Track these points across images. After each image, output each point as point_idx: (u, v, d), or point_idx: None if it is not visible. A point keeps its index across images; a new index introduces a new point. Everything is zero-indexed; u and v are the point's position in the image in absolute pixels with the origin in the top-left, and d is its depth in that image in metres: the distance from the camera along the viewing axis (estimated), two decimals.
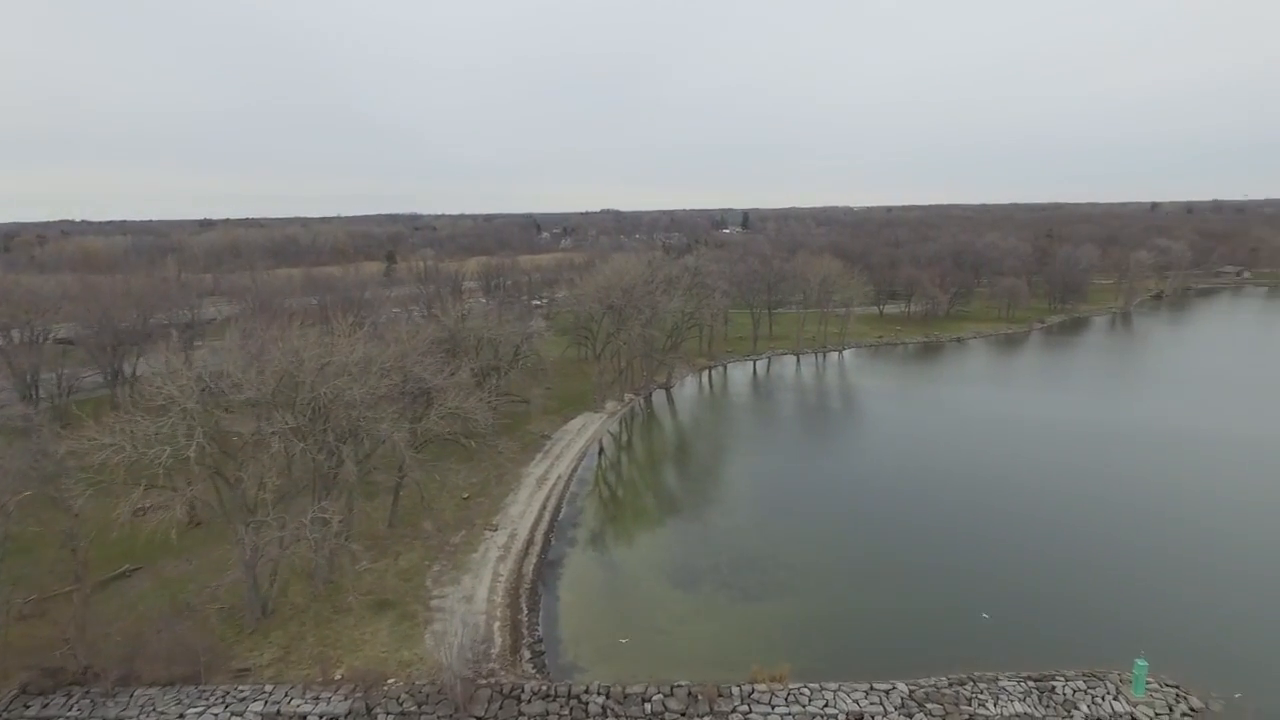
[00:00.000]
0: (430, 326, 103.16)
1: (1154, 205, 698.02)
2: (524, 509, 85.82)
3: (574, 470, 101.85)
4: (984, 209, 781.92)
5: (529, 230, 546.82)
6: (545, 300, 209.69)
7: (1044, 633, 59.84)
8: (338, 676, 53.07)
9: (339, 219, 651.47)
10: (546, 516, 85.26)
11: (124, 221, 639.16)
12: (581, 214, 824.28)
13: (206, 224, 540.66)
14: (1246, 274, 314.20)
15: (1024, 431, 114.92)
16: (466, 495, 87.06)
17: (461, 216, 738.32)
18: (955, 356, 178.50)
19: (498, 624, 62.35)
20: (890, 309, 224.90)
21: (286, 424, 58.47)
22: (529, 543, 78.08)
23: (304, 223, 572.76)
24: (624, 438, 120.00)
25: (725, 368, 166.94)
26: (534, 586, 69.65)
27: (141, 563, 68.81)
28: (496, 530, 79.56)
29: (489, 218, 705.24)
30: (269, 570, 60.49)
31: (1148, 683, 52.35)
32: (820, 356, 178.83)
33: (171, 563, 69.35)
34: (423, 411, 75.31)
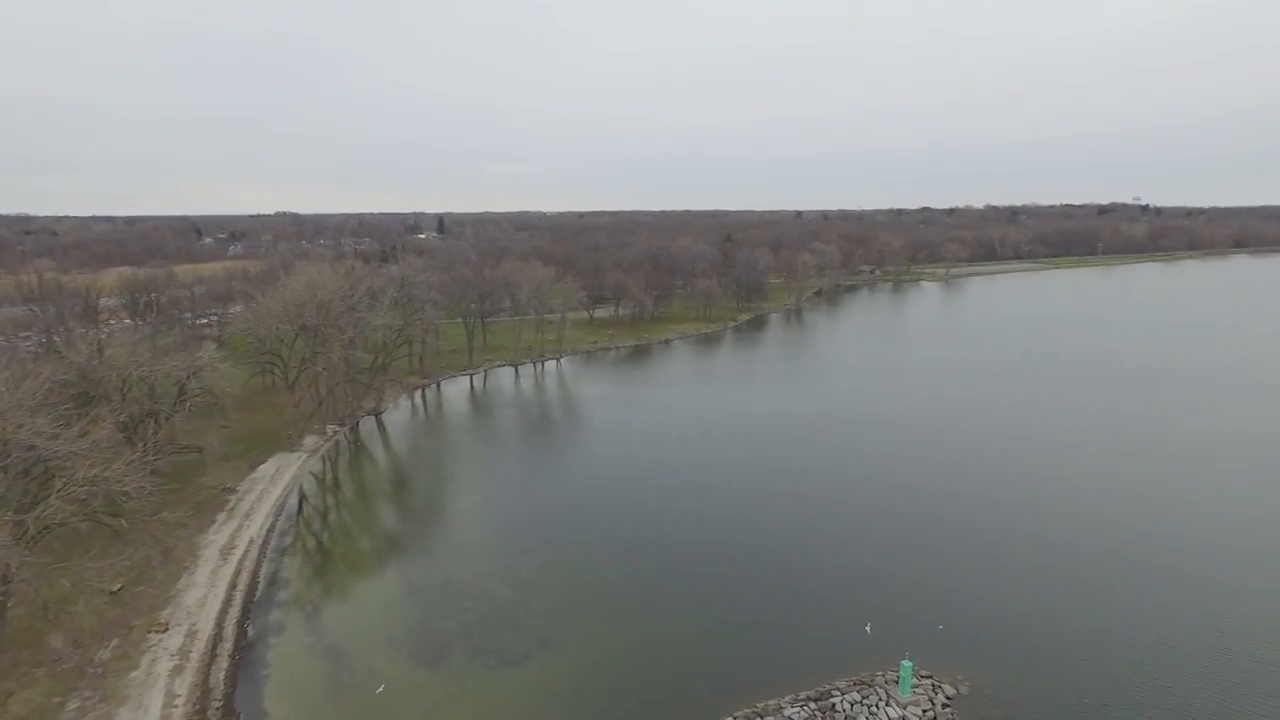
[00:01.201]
0: (48, 365, 77.63)
1: (799, 213, 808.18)
2: (205, 593, 67.38)
3: (270, 528, 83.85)
4: (664, 215, 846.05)
5: (187, 235, 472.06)
6: (216, 319, 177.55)
7: (811, 640, 59.33)
8: None
9: None
10: (238, 598, 67.81)
11: None
12: (252, 216, 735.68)
13: None
14: (878, 272, 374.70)
15: (747, 427, 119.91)
16: (118, 588, 66.02)
17: (94, 219, 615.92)
18: (666, 357, 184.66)
19: None
20: (600, 313, 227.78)
21: None
22: (216, 639, 60.82)
23: None
24: (330, 479, 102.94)
25: (440, 385, 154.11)
26: (229, 703, 53.57)
27: None
28: (167, 630, 60.91)
29: (132, 220, 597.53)
30: None
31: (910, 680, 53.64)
32: (539, 366, 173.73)
33: None
34: (38, 492, 54.29)
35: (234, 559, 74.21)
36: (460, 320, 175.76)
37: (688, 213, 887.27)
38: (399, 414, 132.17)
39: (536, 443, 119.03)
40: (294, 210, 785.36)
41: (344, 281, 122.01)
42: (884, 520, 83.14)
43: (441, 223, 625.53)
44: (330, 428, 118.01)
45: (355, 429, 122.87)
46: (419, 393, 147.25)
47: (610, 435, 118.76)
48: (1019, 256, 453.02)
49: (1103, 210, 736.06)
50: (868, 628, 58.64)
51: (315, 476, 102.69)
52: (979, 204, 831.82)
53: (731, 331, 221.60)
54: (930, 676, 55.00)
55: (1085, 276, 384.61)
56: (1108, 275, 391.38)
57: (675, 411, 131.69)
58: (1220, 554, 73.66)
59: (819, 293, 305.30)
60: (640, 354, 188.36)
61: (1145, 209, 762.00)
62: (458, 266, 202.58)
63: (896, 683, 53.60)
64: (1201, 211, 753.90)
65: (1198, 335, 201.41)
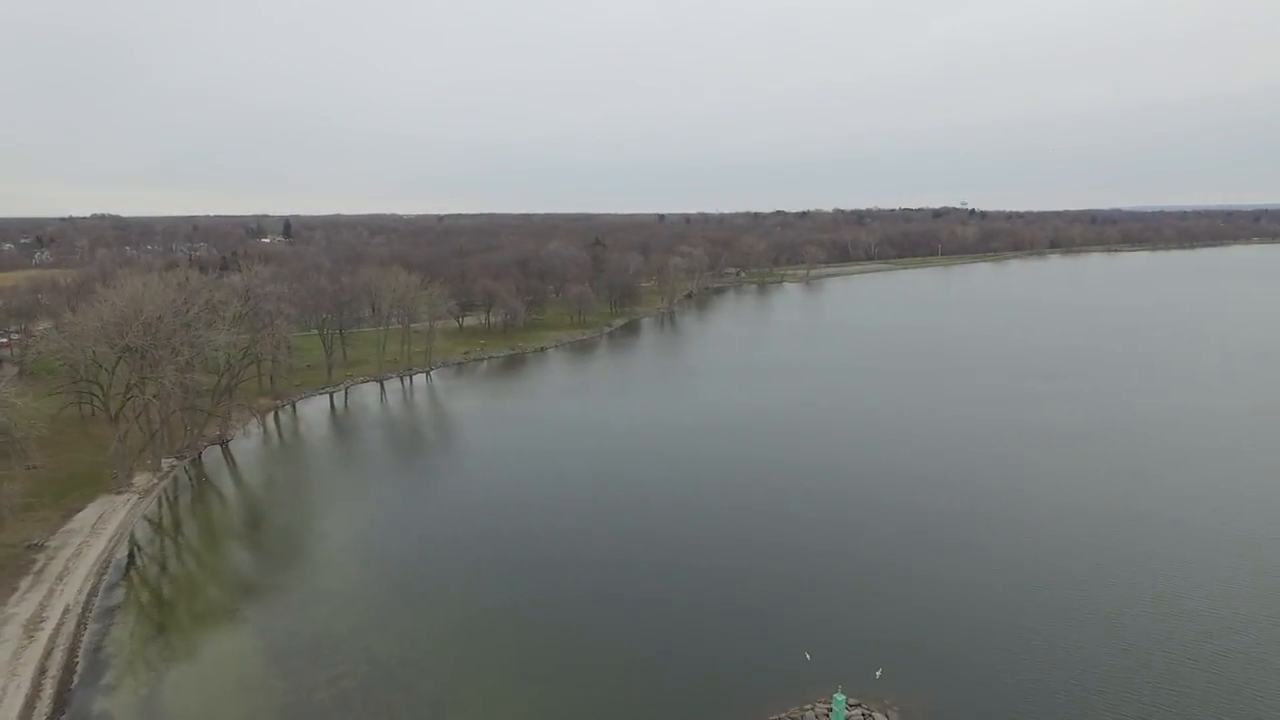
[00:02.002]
0: None
1: (662, 216, 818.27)
2: (2, 684, 54.73)
3: (93, 591, 70.68)
4: (527, 218, 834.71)
5: None
6: (17, 339, 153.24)
7: (738, 674, 55.33)
8: None
9: None
10: (50, 686, 55.62)
11: None
12: (64, 219, 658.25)
13: None
14: (743, 274, 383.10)
15: (638, 437, 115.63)
16: None
17: None
18: (542, 367, 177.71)
19: None
20: (469, 321, 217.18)
21: None
22: None
23: None
24: (169, 522, 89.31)
25: (296, 406, 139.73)
26: None
27: None
28: None
29: None
30: None
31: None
32: (406, 380, 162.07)
33: None
34: None
35: (43, 635, 61.27)
36: (316, 333, 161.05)
37: (551, 215, 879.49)
38: (249, 442, 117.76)
39: (410, 468, 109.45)
40: (115, 213, 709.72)
41: (177, 294, 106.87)
42: (800, 535, 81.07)
43: (288, 226, 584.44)
44: (166, 462, 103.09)
45: (198, 462, 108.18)
46: (272, 416, 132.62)
47: (491, 455, 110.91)
48: (870, 257, 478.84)
49: (937, 214, 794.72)
50: (807, 655, 55.03)
51: (150, 521, 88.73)
52: (828, 208, 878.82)
53: (607, 338, 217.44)
54: (860, 705, 52.44)
55: (931, 276, 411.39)
56: (950, 274, 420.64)
57: (560, 425, 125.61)
58: (1145, 561, 76.65)
59: (689, 295, 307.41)
60: (515, 364, 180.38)
61: (972, 213, 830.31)
62: (310, 274, 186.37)
63: (829, 715, 50.63)
64: (1019, 215, 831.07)
65: (1061, 329, 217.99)
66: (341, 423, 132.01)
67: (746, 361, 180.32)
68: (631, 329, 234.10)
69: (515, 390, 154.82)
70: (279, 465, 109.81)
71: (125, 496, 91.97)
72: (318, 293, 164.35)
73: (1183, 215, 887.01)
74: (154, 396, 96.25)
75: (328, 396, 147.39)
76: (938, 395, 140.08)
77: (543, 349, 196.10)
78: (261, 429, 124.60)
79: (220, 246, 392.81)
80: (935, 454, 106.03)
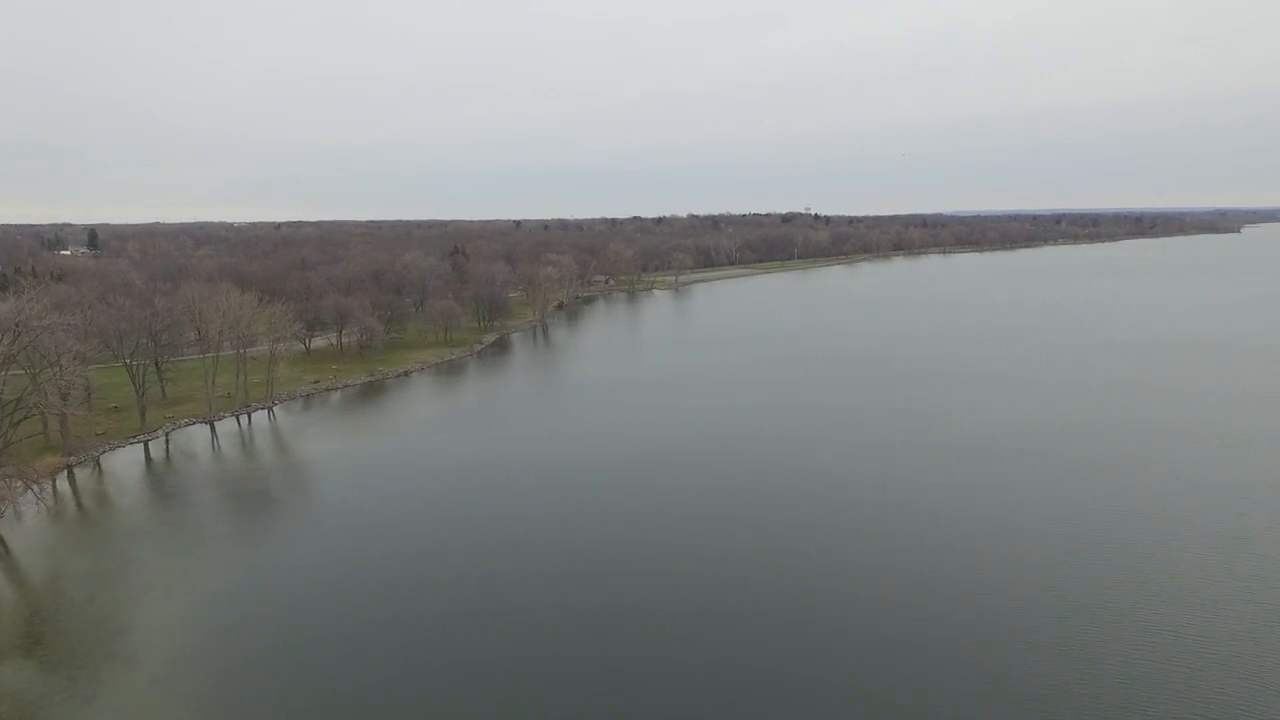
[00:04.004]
0: None
1: (518, 223, 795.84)
2: None
3: None
4: (376, 225, 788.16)
5: None
6: None
7: None
8: None
9: None
10: None
11: None
12: None
13: None
14: (612, 282, 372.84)
15: (517, 482, 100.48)
16: None
17: None
18: (406, 395, 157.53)
19: None
20: (318, 343, 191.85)
21: None
22: None
23: None
24: None
25: (99, 462, 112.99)
26: None
27: None
28: None
29: None
30: None
31: None
32: (244, 419, 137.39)
33: None
34: None
35: None
36: (124, 366, 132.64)
37: (402, 222, 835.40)
38: (26, 521, 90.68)
39: (250, 541, 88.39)
40: None
41: None
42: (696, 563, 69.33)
43: (94, 236, 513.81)
44: None
45: None
46: (65, 478, 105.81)
47: (353, 514, 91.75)
48: (732, 262, 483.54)
49: (785, 219, 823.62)
50: None
51: None
52: (682, 213, 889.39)
53: (477, 356, 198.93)
54: None
55: (793, 279, 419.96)
56: (809, 277, 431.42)
57: (431, 467, 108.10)
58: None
59: (560, 306, 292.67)
60: (375, 392, 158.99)
61: (817, 217, 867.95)
62: (115, 296, 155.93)
63: None
64: (860, 219, 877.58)
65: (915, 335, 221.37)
66: (161, 480, 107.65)
67: (631, 378, 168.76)
68: (503, 345, 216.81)
69: (377, 426, 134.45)
70: (73, 548, 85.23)
71: None
72: (124, 319, 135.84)
73: (998, 219, 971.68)
74: None
75: (142, 446, 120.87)
76: (849, 408, 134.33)
77: (406, 373, 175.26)
78: (51, 497, 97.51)
79: (4, 261, 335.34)
80: (845, 472, 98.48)
